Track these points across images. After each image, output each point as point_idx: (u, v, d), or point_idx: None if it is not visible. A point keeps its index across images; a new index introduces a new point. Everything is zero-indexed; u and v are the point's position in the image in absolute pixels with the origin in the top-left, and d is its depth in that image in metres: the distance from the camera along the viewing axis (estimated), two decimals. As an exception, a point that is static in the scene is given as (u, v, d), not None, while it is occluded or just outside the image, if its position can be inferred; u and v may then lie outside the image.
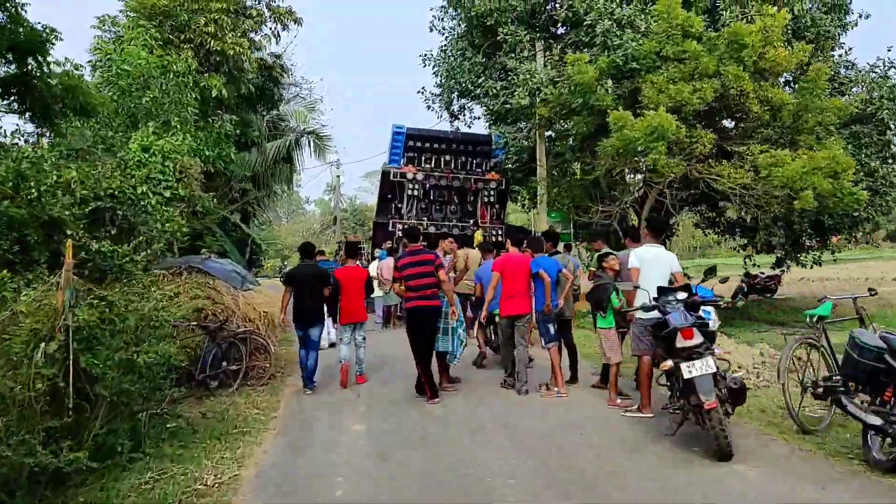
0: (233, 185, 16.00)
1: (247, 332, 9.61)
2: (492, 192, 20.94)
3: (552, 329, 8.42)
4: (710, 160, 14.44)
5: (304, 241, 11.09)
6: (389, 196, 21.23)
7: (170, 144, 8.51)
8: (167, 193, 8.29)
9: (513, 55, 17.75)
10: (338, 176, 41.28)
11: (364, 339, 10.30)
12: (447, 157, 21.20)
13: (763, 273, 26.31)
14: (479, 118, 24.00)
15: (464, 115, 23.86)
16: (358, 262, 11.11)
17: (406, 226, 20.41)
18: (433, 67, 22.46)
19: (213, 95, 11.82)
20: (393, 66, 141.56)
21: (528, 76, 16.38)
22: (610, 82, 14.90)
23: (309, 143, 28.56)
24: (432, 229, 20.70)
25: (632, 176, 20.70)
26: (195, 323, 9.04)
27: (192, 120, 10.60)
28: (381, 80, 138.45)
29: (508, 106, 16.64)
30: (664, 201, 15.67)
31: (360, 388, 9.65)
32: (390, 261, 15.98)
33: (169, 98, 10.05)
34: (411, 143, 21.06)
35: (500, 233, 21.08)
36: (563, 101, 15.69)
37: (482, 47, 19.67)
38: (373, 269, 17.37)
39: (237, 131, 14.52)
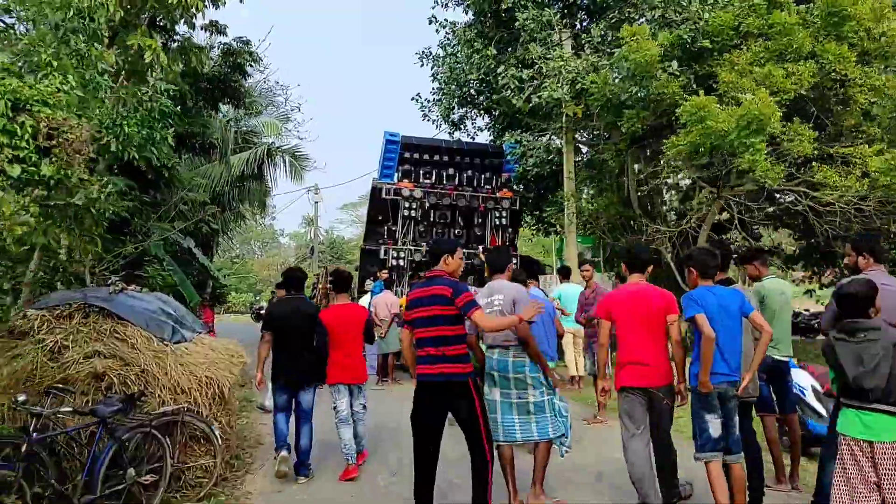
0: (183, 195, 12.28)
1: (176, 412, 5.85)
2: (504, 213, 17.40)
3: (714, 425, 4.62)
4: (813, 163, 11.07)
5: (291, 266, 7.48)
6: (380, 217, 17.58)
7: (33, 90, 4.81)
8: (14, 171, 4.57)
9: (534, 43, 14.34)
10: (316, 202, 37.69)
11: (364, 407, 7.19)
12: (450, 171, 17.64)
13: (808, 311, 23.12)
14: (482, 130, 20.61)
15: (465, 125, 20.51)
16: (349, 298, 7.72)
17: (402, 251, 16.85)
18: (432, 67, 19.12)
19: (146, 62, 8.15)
20: (383, 77, 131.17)
21: (562, 63, 12.96)
22: (675, 64, 11.52)
23: (284, 162, 25.04)
24: (433, 257, 17.11)
25: (669, 194, 17.39)
26: (70, 408, 5.24)
27: (107, 85, 6.94)
28: (369, 92, 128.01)
29: (538, 99, 13.15)
30: (739, 218, 12.28)
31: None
32: (387, 295, 12.33)
33: (68, 49, 6.43)
34: (407, 154, 17.51)
35: (515, 261, 17.52)
36: (609, 93, 12.26)
37: (494, 39, 16.32)
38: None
39: (179, 108, 10.98)
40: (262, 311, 8.79)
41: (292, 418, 6.91)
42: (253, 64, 13.84)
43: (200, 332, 7.49)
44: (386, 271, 13.43)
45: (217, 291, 23.24)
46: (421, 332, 4.92)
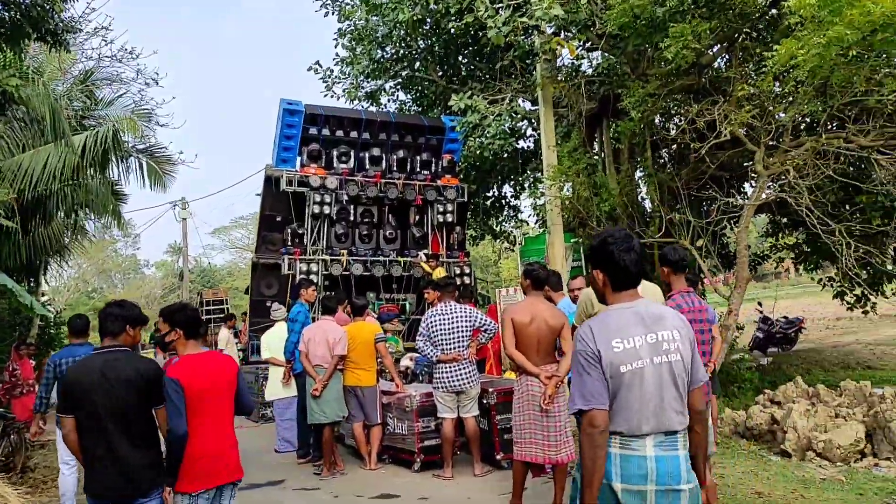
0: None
1: None
2: (449, 206, 12.92)
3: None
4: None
5: (111, 301, 3.87)
6: (279, 219, 12.68)
7: None
8: None
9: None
10: (184, 219, 31.68)
11: None
12: (375, 152, 12.99)
13: (785, 318, 20.25)
14: (404, 106, 16.03)
15: (380, 100, 15.88)
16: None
17: (314, 262, 11.95)
18: (339, 19, 14.36)
19: None
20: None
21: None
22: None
23: (140, 165, 19.32)
24: (357, 269, 12.34)
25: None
26: None
27: None
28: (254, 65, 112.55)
29: (528, 21, 8.74)
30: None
31: None
32: (327, 325, 7.34)
33: None
34: (314, 129, 12.75)
35: (467, 270, 13.05)
36: (637, 5, 8.08)
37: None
38: (267, 344, 8.75)
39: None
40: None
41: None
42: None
43: None
44: (313, 288, 8.34)
45: (50, 332, 17.21)
46: None
